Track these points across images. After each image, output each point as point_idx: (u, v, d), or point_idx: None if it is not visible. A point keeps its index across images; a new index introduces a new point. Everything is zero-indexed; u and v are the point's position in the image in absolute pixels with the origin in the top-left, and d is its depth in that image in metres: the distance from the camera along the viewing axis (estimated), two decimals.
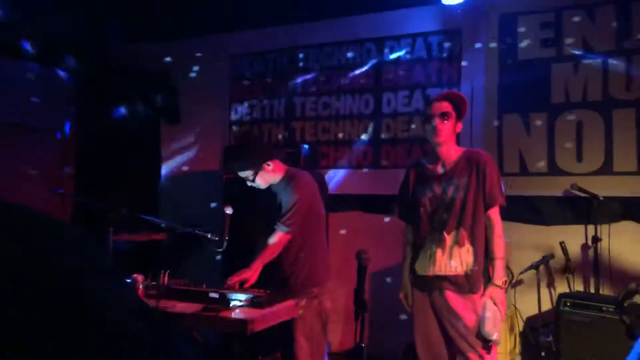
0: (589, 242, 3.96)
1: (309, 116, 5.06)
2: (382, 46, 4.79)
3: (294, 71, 5.13)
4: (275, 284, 3.05)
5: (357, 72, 4.86)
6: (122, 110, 5.19)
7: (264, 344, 3.38)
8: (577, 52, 4.09)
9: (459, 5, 4.30)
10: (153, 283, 2.91)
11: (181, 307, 2.63)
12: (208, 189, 5.04)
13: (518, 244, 4.09)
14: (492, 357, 2.76)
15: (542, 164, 4.17)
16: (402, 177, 3.11)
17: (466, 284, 2.77)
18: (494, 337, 2.69)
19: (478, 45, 4.41)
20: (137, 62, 5.31)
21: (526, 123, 4.23)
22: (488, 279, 2.80)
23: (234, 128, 5.38)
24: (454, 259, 2.78)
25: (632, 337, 2.59)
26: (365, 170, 4.81)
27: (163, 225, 4.36)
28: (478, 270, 2.78)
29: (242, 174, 3.09)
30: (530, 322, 4.10)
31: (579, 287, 4.02)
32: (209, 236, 3.05)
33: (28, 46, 4.46)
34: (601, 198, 3.89)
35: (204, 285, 2.87)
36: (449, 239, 2.79)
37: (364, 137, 4.81)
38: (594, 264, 3.91)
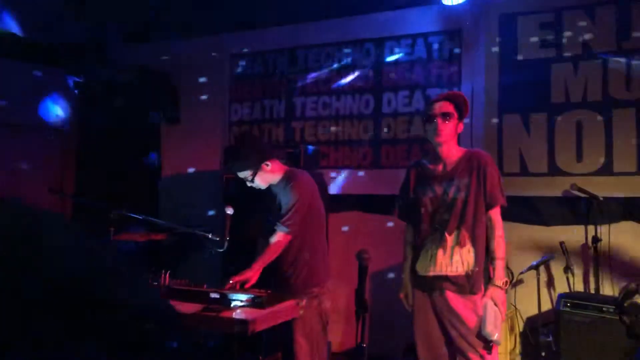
0: (589, 242, 3.96)
1: (309, 116, 5.06)
2: (382, 46, 4.79)
3: (294, 71, 5.13)
4: (275, 284, 3.05)
5: (358, 72, 4.86)
6: (122, 110, 5.18)
7: (264, 344, 3.38)
8: (577, 53, 4.09)
9: (459, 5, 4.31)
10: (154, 283, 2.91)
11: (182, 307, 2.63)
12: (208, 189, 5.04)
13: (518, 244, 4.09)
14: (493, 357, 2.76)
15: (542, 164, 4.17)
16: (402, 177, 3.11)
17: (467, 284, 2.77)
18: (495, 337, 2.70)
19: (478, 45, 4.41)
20: (137, 62, 5.31)
21: (526, 123, 4.23)
22: (488, 279, 2.80)
23: (234, 128, 5.38)
24: (454, 259, 2.78)
25: (632, 337, 2.59)
26: (365, 170, 4.81)
27: (163, 225, 4.35)
28: (479, 270, 2.78)
29: (241, 174, 3.09)
30: (530, 322, 4.11)
31: (579, 287, 4.02)
32: (209, 236, 3.05)
33: (29, 46, 4.46)
34: (601, 198, 3.89)
35: (205, 286, 2.87)
36: (450, 239, 2.79)
37: (364, 137, 4.81)
38: (594, 264, 3.92)
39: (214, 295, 2.70)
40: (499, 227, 2.82)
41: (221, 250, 3.02)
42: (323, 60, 5.02)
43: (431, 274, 2.83)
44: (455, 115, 2.83)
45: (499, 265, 2.77)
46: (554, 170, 4.14)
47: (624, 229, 3.93)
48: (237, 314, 2.53)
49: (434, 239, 2.83)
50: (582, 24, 4.08)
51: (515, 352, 4.02)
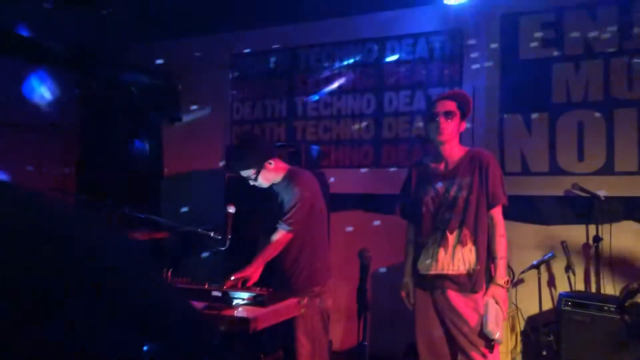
0: (590, 242, 3.96)
1: (311, 116, 5.06)
2: (383, 46, 4.80)
3: (295, 71, 5.14)
4: (276, 282, 3.06)
5: (359, 72, 4.87)
6: (123, 110, 5.19)
7: (266, 343, 3.38)
8: (578, 52, 4.10)
9: (460, 5, 4.31)
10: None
11: None
12: (210, 188, 5.04)
13: (519, 244, 4.09)
14: (494, 356, 2.77)
15: (543, 164, 4.17)
16: (403, 176, 3.12)
17: (468, 283, 2.77)
18: (496, 336, 2.70)
19: (479, 45, 4.42)
20: (139, 61, 5.32)
21: (527, 123, 4.24)
22: (490, 278, 2.80)
23: (236, 128, 5.38)
24: (456, 258, 2.78)
25: (633, 336, 2.60)
26: (366, 169, 4.81)
27: (165, 224, 4.36)
28: (480, 269, 2.78)
29: (244, 172, 3.09)
30: (531, 321, 4.11)
31: (580, 286, 4.02)
32: (211, 235, 3.05)
33: (29, 46, 4.47)
34: (602, 198, 3.89)
35: (207, 284, 2.87)
36: (451, 238, 2.80)
37: (365, 136, 4.81)
38: (595, 263, 3.92)
39: (215, 293, 2.71)
40: (501, 226, 2.82)
41: (223, 248, 3.02)
42: (324, 60, 5.02)
43: (433, 272, 2.83)
44: (458, 114, 2.83)
45: (501, 264, 2.77)
46: (555, 170, 4.14)
47: (625, 229, 3.93)
48: (239, 312, 2.54)
49: (435, 238, 2.84)
50: (584, 23, 4.09)
51: (517, 351, 4.02)
